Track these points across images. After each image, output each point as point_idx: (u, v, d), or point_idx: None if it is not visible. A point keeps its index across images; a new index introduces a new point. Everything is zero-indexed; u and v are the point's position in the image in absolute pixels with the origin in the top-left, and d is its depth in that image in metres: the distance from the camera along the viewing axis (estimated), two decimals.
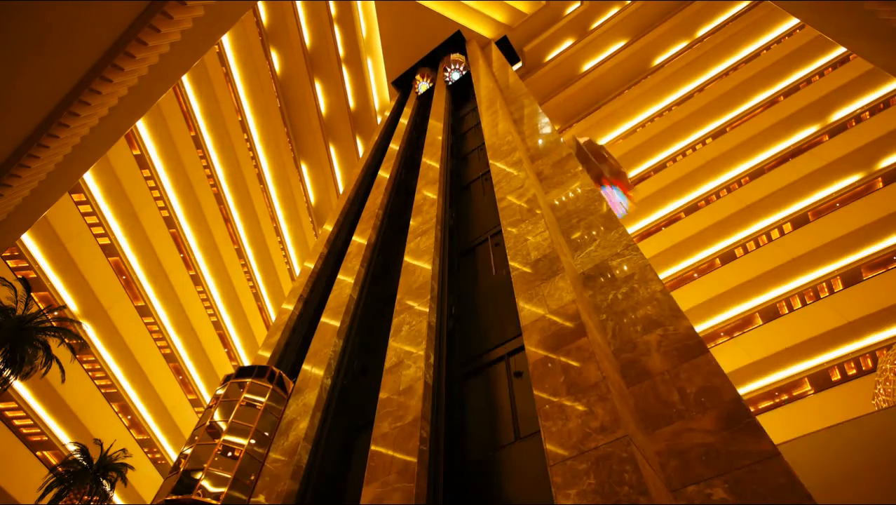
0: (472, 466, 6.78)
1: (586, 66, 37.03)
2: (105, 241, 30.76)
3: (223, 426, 8.34)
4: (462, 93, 27.78)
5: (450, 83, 28.98)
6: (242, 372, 9.45)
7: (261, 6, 34.33)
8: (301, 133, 40.42)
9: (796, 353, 22.89)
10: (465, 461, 6.96)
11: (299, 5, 34.12)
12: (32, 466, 26.52)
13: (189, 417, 38.07)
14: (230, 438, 8.15)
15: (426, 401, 7.30)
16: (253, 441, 8.18)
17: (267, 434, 8.42)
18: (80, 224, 28.98)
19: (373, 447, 7.03)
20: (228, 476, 7.60)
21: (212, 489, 7.42)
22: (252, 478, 7.69)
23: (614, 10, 35.43)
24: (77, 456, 23.80)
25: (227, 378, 9.45)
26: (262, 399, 8.93)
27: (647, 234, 31.49)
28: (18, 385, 26.64)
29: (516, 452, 6.45)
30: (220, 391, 9.16)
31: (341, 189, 40.82)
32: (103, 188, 29.77)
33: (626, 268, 7.51)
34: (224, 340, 41.43)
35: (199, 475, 7.50)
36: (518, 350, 7.93)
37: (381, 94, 38.55)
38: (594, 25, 36.32)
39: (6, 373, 19.58)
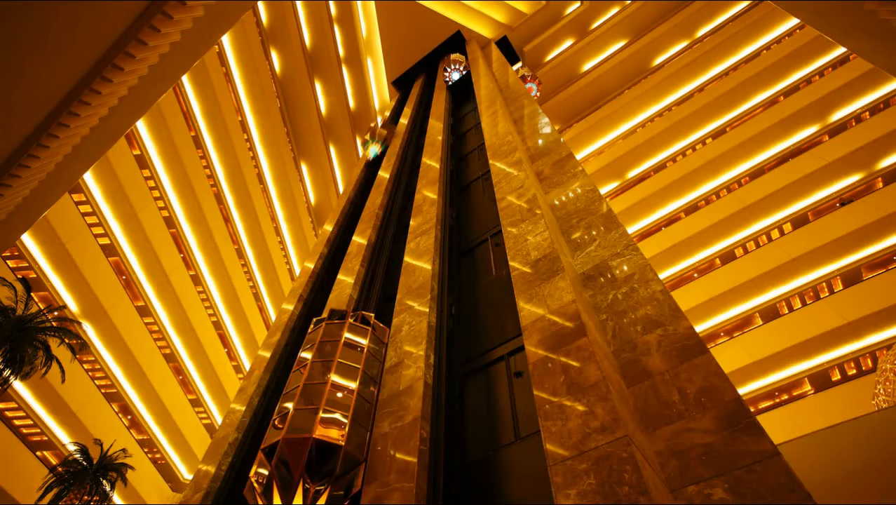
0: (472, 465, 6.78)
1: (586, 66, 37.03)
2: (105, 241, 30.74)
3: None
4: (462, 93, 27.77)
5: (449, 83, 28.96)
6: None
7: (261, 6, 34.31)
8: (301, 133, 40.39)
9: (796, 353, 22.87)
10: (465, 461, 6.96)
11: (299, 5, 34.11)
12: (32, 466, 26.47)
13: (189, 417, 38.05)
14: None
15: (426, 401, 7.30)
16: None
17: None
18: (80, 224, 28.96)
19: (373, 447, 7.03)
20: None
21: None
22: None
23: (614, 10, 35.43)
24: (77, 456, 23.82)
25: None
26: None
27: (647, 234, 31.46)
28: (18, 385, 26.61)
29: (516, 452, 6.44)
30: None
31: (341, 189, 40.80)
32: (103, 188, 29.76)
33: (626, 268, 7.51)
34: (224, 340, 41.42)
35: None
36: (518, 350, 7.93)
37: (381, 94, 38.54)
38: (594, 25, 36.32)
39: (6, 373, 19.59)
